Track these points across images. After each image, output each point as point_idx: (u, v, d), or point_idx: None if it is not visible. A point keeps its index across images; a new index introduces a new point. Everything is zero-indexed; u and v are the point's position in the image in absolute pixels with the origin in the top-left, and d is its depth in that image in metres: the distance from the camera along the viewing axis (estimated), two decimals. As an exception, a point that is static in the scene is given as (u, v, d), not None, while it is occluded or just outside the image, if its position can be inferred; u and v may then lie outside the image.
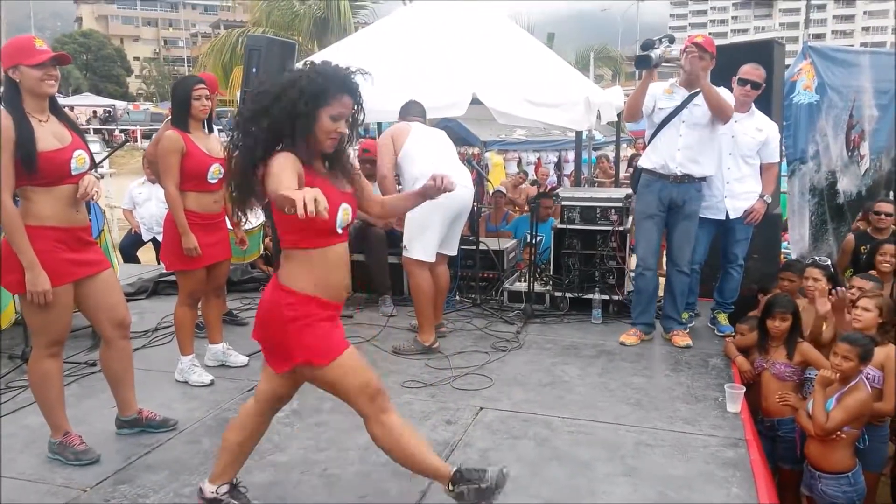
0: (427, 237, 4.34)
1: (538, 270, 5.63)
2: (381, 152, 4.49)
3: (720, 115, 4.31)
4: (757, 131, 4.60)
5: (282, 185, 2.09)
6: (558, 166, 14.57)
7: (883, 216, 5.11)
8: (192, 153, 3.76)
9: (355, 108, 2.38)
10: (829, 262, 4.53)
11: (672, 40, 4.35)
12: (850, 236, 5.42)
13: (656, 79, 4.46)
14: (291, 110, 2.24)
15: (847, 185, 6.22)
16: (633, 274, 4.80)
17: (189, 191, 3.80)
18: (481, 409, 3.59)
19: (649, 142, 4.57)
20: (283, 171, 2.16)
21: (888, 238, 4.71)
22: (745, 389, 3.61)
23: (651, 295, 4.62)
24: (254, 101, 2.32)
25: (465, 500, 2.39)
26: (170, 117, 3.95)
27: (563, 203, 5.37)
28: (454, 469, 2.44)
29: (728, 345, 4.34)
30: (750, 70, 4.56)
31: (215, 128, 4.94)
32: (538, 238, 5.73)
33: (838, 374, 3.26)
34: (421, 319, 4.42)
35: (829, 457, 3.31)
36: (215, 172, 3.84)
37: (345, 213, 2.36)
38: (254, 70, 5.30)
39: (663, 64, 4.29)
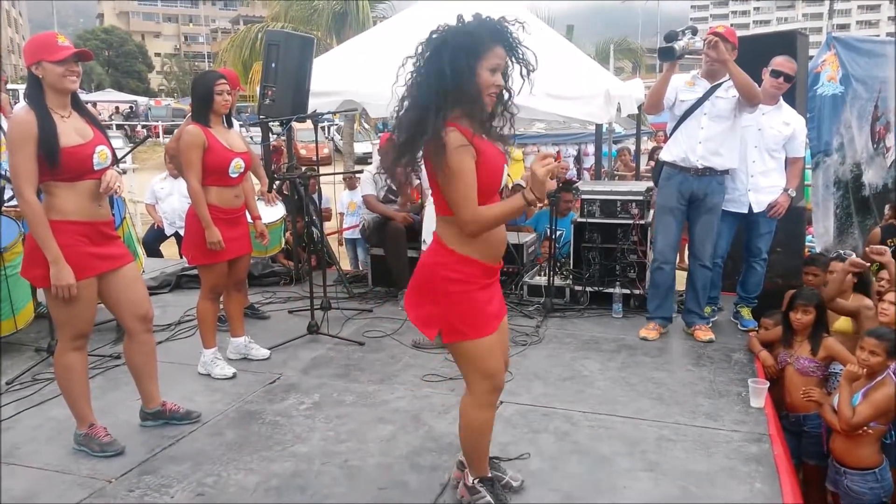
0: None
1: (558, 264, 5.61)
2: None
3: (750, 97, 4.18)
4: (784, 125, 4.53)
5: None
6: (578, 160, 14.50)
7: None
8: (214, 148, 3.79)
9: (510, 59, 2.29)
10: (853, 256, 4.46)
11: (695, 32, 4.28)
12: (877, 229, 5.32)
13: (677, 71, 4.41)
14: (451, 71, 2.18)
15: (873, 177, 6.13)
16: (651, 267, 4.75)
17: (211, 185, 3.83)
18: (501, 402, 3.57)
19: (671, 134, 4.51)
20: (466, 175, 2.18)
21: None
22: (768, 384, 3.57)
23: (668, 288, 4.58)
24: (413, 74, 2.26)
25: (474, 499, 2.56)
26: (191, 113, 3.98)
27: (584, 196, 5.34)
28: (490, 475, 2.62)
29: (752, 339, 4.29)
30: (783, 62, 4.48)
31: (235, 122, 4.98)
32: (558, 232, 5.71)
33: (865, 370, 3.22)
34: None
35: (854, 452, 3.26)
36: (236, 167, 3.87)
37: (505, 177, 2.37)
38: (273, 65, 5.33)
39: (686, 56, 4.24)
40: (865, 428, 3.19)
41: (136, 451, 3.09)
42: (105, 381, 3.94)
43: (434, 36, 2.26)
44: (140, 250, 5.29)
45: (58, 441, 3.19)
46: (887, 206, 5.63)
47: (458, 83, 2.18)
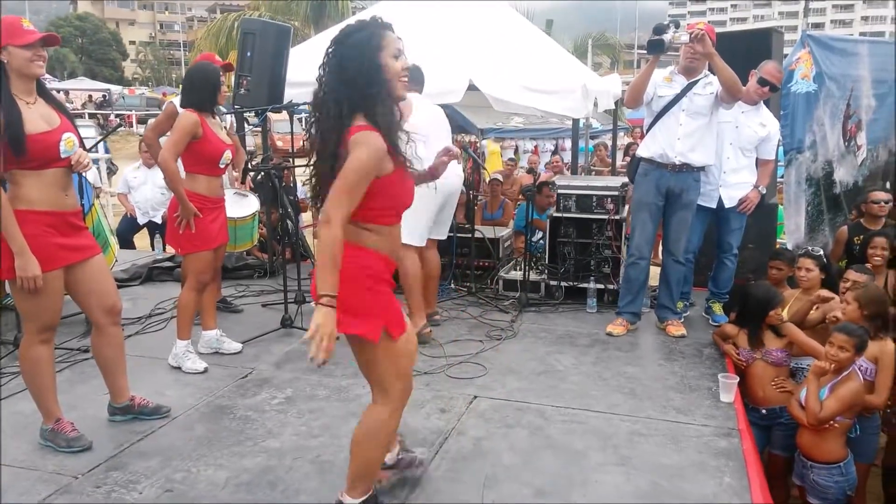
0: (414, 221, 4.20)
1: (534, 259, 5.61)
2: None
3: (733, 92, 4.20)
4: (760, 126, 4.58)
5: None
6: (555, 154, 14.52)
7: (881, 204, 5.05)
8: (209, 138, 3.82)
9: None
10: (821, 252, 4.51)
11: (678, 25, 4.29)
12: (844, 228, 5.39)
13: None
14: (357, 72, 2.16)
15: (844, 175, 6.20)
16: (625, 262, 4.77)
17: (200, 174, 3.85)
18: (475, 397, 3.59)
19: (648, 130, 4.53)
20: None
21: (879, 230, 4.67)
22: (738, 379, 3.61)
23: (641, 284, 4.60)
24: (324, 78, 2.23)
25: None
26: (171, 101, 3.96)
27: (560, 191, 5.35)
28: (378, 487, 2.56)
29: (715, 336, 4.30)
30: (773, 72, 4.51)
31: (220, 110, 4.93)
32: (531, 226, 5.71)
33: (833, 365, 3.26)
34: (410, 303, 4.34)
35: (821, 446, 3.32)
36: (226, 158, 3.93)
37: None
38: (248, 54, 5.26)
39: (670, 50, 4.23)
40: (832, 422, 3.24)
41: (104, 446, 3.04)
42: (73, 374, 3.87)
43: (330, 49, 2.24)
44: (112, 240, 5.19)
45: (23, 436, 3.13)
46: (853, 206, 5.71)
47: (368, 82, 2.16)
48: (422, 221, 4.31)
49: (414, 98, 4.29)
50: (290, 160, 5.49)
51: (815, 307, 4.02)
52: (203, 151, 3.79)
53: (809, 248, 4.61)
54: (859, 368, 3.46)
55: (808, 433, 3.35)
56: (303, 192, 7.16)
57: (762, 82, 4.50)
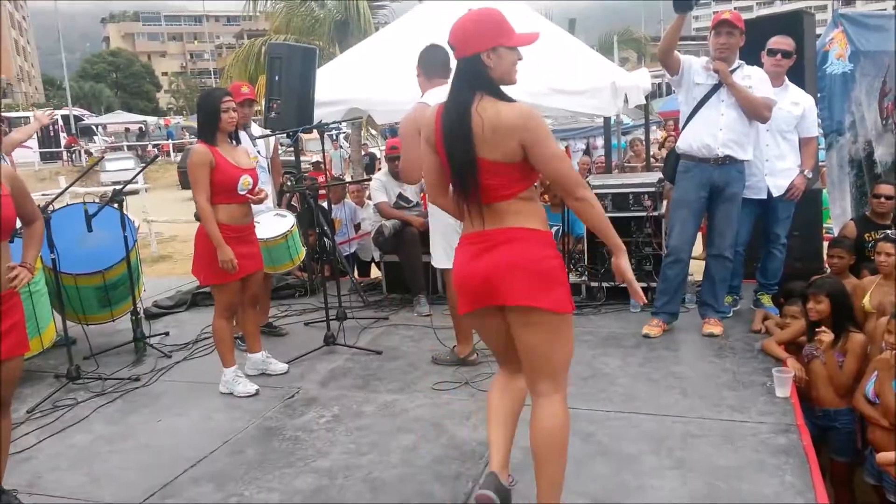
0: (448, 244, 4.02)
1: (573, 261, 5.55)
2: (405, 145, 4.02)
3: (754, 113, 4.17)
4: (793, 105, 4.46)
5: None
6: (587, 153, 14.41)
7: (883, 199, 4.75)
8: (221, 166, 3.79)
9: None
10: None
11: None
12: (851, 222, 5.04)
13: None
14: None
15: (883, 154, 6.01)
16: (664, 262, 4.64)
17: (220, 203, 3.82)
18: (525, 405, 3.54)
19: (686, 123, 4.39)
20: None
21: (886, 229, 4.35)
22: (793, 373, 3.49)
23: (679, 284, 4.48)
24: None
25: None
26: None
27: (595, 191, 5.24)
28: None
29: (767, 344, 4.01)
30: (777, 40, 4.43)
31: (253, 133, 4.96)
32: (554, 227, 5.64)
33: (889, 353, 3.14)
34: (456, 329, 4.20)
35: None
36: (244, 184, 3.87)
37: None
38: (276, 78, 5.31)
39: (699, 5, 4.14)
40: None
41: (158, 474, 3.07)
42: (124, 404, 3.94)
43: None
44: (142, 275, 5.26)
45: (79, 468, 3.19)
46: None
47: None
48: (453, 243, 4.09)
49: (438, 103, 4.08)
50: (325, 178, 5.54)
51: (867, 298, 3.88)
52: (217, 181, 3.77)
53: (889, 231, 4.42)
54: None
55: (883, 430, 3.19)
56: (347, 208, 7.16)
57: (771, 52, 4.40)
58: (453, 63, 4.14)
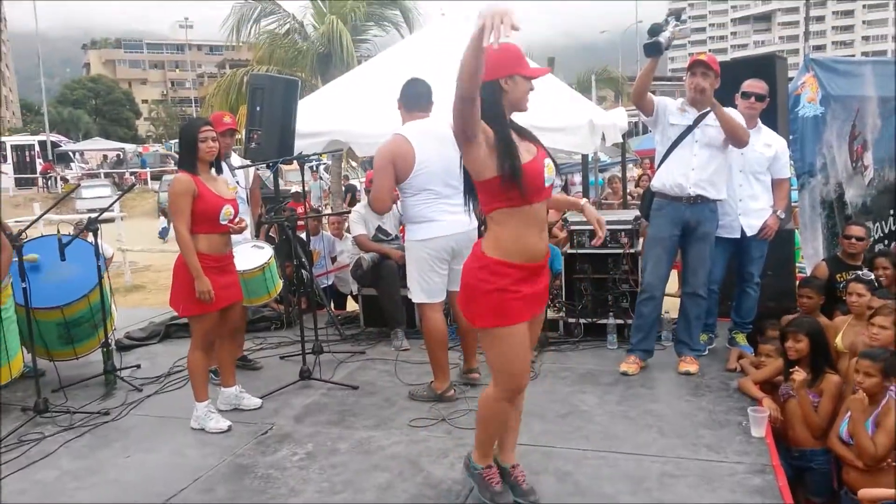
0: (422, 278, 4.08)
1: (551, 297, 5.56)
2: (378, 174, 4.03)
3: (735, 138, 4.23)
4: (766, 147, 4.56)
5: None
6: (565, 189, 14.54)
7: (851, 241, 4.89)
8: (204, 195, 3.77)
9: None
10: (872, 277, 4.40)
11: (678, 17, 4.18)
12: (822, 263, 5.16)
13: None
14: None
15: (853, 195, 6.16)
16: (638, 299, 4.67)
17: (200, 233, 3.79)
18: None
19: (661, 162, 4.48)
20: None
21: (856, 277, 4.37)
22: (768, 412, 3.51)
23: (654, 321, 4.51)
24: None
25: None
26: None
27: (573, 227, 5.32)
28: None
29: (745, 384, 4.01)
30: (751, 83, 4.54)
31: (233, 163, 4.93)
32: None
33: (862, 393, 3.17)
34: (433, 365, 4.16)
35: (874, 483, 3.13)
36: (226, 214, 3.85)
37: None
38: (258, 108, 5.32)
39: (673, 45, 4.17)
40: (889, 460, 3.11)
41: (126, 512, 2.99)
42: (93, 438, 3.84)
43: None
44: (114, 308, 5.15)
45: (44, 506, 3.10)
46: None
47: None
48: (431, 277, 4.08)
49: (416, 140, 3.99)
50: (304, 210, 5.53)
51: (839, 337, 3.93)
52: (199, 210, 3.75)
53: (859, 272, 4.50)
54: None
55: (858, 472, 3.21)
56: (325, 240, 7.13)
57: (745, 96, 4.50)
58: (435, 97, 4.23)
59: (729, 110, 4.30)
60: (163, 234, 20.26)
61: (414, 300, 4.23)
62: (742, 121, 4.31)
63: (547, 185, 2.65)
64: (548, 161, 2.66)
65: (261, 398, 4.20)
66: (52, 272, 4.52)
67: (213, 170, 3.96)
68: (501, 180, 2.50)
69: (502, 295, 2.56)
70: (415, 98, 4.14)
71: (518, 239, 2.57)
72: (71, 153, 38.32)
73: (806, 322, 3.77)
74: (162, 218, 20.79)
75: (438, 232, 4.00)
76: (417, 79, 4.19)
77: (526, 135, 2.72)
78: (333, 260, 7.08)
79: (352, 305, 7.00)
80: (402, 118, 4.19)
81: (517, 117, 2.70)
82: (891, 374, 3.20)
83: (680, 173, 4.32)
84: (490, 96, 2.53)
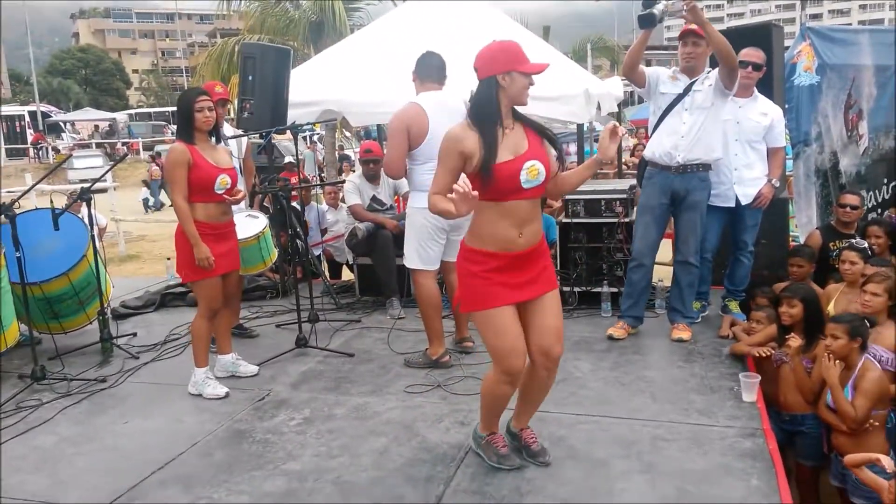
0: (420, 245, 4.13)
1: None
2: (392, 140, 4.09)
3: (728, 60, 4.09)
4: (762, 115, 4.55)
5: None
6: (560, 159, 14.50)
7: (848, 209, 4.90)
8: (199, 165, 3.79)
9: None
10: (865, 245, 4.42)
11: None
12: (816, 231, 5.18)
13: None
14: None
15: (847, 165, 6.17)
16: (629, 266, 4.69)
17: (197, 202, 3.83)
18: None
19: (653, 131, 4.50)
20: None
21: (849, 245, 4.39)
22: (759, 378, 3.55)
23: (643, 288, 4.54)
24: None
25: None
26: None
27: (568, 197, 5.32)
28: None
29: (737, 346, 4.07)
30: (749, 52, 4.50)
31: (225, 133, 4.89)
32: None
33: (834, 357, 3.24)
34: (427, 331, 4.21)
35: (861, 446, 3.19)
36: (222, 183, 3.86)
37: None
38: (250, 78, 5.28)
39: (667, 17, 4.12)
40: (871, 421, 3.17)
41: (123, 476, 3.02)
42: (91, 405, 3.87)
43: None
44: (107, 277, 5.13)
45: (43, 471, 3.13)
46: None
47: None
48: (428, 245, 4.13)
49: (430, 110, 4.02)
50: (299, 180, 5.51)
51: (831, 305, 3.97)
52: (193, 179, 3.77)
53: (853, 241, 4.52)
54: (880, 359, 3.43)
55: (846, 435, 3.27)
56: (314, 211, 7.10)
57: (743, 64, 4.46)
58: (449, 70, 4.26)
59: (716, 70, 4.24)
60: (147, 204, 20.08)
61: (408, 266, 4.25)
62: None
63: (527, 186, 2.65)
64: (531, 163, 2.64)
65: (257, 365, 4.23)
66: (35, 249, 4.43)
67: (212, 139, 3.96)
68: (477, 175, 2.61)
69: (475, 280, 2.69)
70: (428, 70, 4.21)
71: (493, 230, 2.66)
72: (62, 123, 37.97)
73: (801, 288, 3.80)
74: (144, 189, 20.61)
75: None
76: (433, 52, 4.27)
77: (532, 127, 2.78)
78: (324, 232, 7.07)
79: (347, 275, 7.01)
80: (416, 89, 4.25)
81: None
82: (856, 336, 3.25)
83: (669, 142, 4.33)
84: (486, 92, 2.65)
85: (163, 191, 19.07)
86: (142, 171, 25.22)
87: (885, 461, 2.64)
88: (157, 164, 21.12)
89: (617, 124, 2.84)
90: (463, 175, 2.58)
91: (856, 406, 3.18)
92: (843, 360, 3.29)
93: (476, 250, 2.69)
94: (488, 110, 2.65)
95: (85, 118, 40.96)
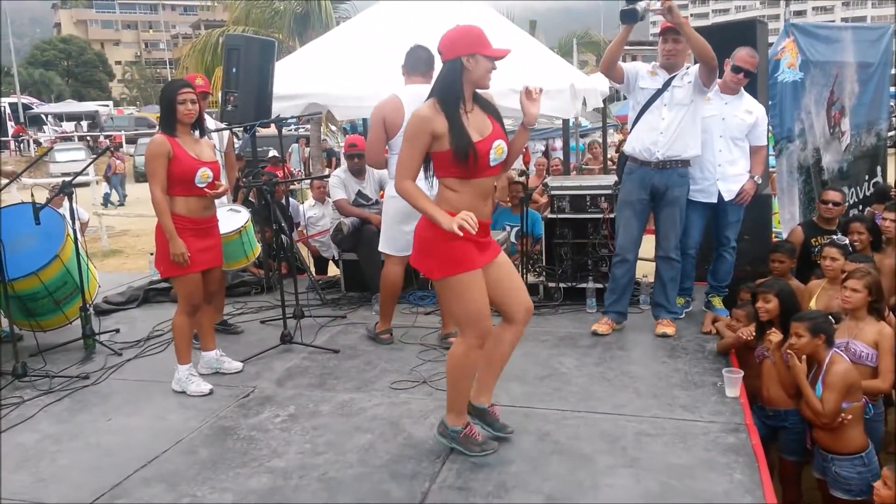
0: (392, 230, 4.37)
1: (531, 261, 5.60)
2: (371, 130, 4.34)
3: (706, 60, 4.12)
4: (746, 113, 4.57)
5: None
6: (546, 154, 14.54)
7: (830, 205, 4.93)
8: (180, 157, 3.74)
9: None
10: (846, 241, 4.46)
11: None
12: (798, 227, 5.22)
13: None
14: None
15: (829, 161, 6.23)
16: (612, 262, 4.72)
17: (177, 195, 3.78)
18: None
19: (632, 126, 4.52)
20: None
21: (831, 241, 4.38)
22: (742, 374, 3.58)
23: (627, 284, 4.56)
24: None
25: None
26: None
27: (553, 192, 5.33)
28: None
29: (722, 344, 4.11)
30: (746, 58, 4.46)
31: (208, 126, 4.84)
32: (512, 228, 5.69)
33: (797, 354, 3.31)
34: (381, 310, 4.57)
35: (840, 439, 3.26)
36: (203, 176, 3.81)
37: None
38: (233, 70, 5.23)
39: (650, 11, 4.16)
40: (843, 415, 3.21)
41: (107, 474, 3.00)
42: (73, 402, 3.83)
43: None
44: (94, 271, 5.08)
45: (25, 469, 3.10)
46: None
47: None
48: (398, 232, 4.30)
49: (409, 103, 4.06)
50: (283, 175, 5.48)
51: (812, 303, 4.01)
52: (173, 172, 3.73)
53: (834, 237, 4.56)
54: (860, 355, 3.47)
55: (823, 429, 3.31)
56: (291, 206, 7.05)
57: (736, 69, 4.48)
58: (437, 64, 4.28)
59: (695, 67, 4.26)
60: (108, 199, 19.50)
61: (380, 248, 4.49)
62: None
63: (493, 164, 2.82)
64: (498, 142, 2.82)
65: (242, 362, 4.20)
66: (14, 243, 4.32)
67: (195, 132, 3.92)
68: (452, 154, 2.72)
69: (453, 243, 2.73)
70: (416, 63, 4.35)
71: (463, 203, 2.77)
72: (43, 115, 37.49)
73: (775, 283, 3.83)
74: (104, 184, 20.08)
75: None
76: (421, 45, 4.37)
77: (488, 110, 2.91)
78: (296, 225, 7.01)
79: (334, 270, 6.98)
80: (405, 82, 4.39)
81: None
82: (818, 333, 3.29)
83: (649, 138, 4.35)
84: (450, 74, 2.77)
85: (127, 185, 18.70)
86: (126, 165, 24.98)
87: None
88: (119, 159, 20.67)
89: (529, 86, 2.95)
90: (471, 214, 2.68)
91: (823, 400, 3.22)
92: (811, 357, 3.32)
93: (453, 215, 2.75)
94: (453, 91, 2.75)
95: (67, 110, 40.47)
